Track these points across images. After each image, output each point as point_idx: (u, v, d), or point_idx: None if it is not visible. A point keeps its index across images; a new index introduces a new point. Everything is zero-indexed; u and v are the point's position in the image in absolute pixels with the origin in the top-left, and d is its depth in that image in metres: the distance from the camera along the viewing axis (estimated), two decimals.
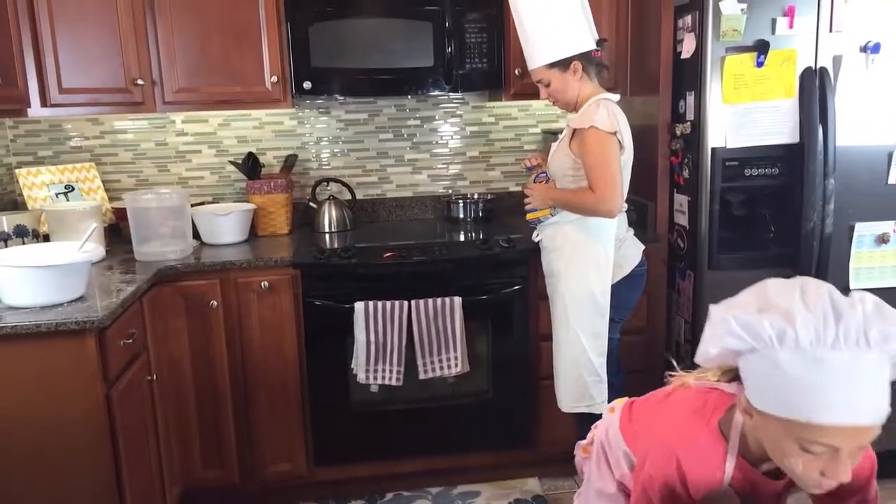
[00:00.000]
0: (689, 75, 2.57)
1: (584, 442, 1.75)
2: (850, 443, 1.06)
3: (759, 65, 2.45)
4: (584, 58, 2.25)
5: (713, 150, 2.51)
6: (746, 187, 2.56)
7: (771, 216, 2.61)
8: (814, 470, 1.09)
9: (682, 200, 2.69)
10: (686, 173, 2.65)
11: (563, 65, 2.25)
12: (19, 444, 1.91)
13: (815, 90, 2.44)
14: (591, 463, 1.68)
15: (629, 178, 2.32)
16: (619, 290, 2.33)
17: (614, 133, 2.15)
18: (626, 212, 2.38)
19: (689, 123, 2.60)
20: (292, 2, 2.67)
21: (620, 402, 1.67)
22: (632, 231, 2.44)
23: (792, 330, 1.06)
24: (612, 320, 2.35)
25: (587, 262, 2.30)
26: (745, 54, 2.45)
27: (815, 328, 1.05)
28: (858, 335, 1.04)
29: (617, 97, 2.30)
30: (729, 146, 2.51)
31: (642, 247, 2.44)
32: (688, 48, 2.56)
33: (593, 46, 2.26)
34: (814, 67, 2.46)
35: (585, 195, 2.22)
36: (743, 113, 2.49)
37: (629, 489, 1.49)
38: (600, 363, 2.34)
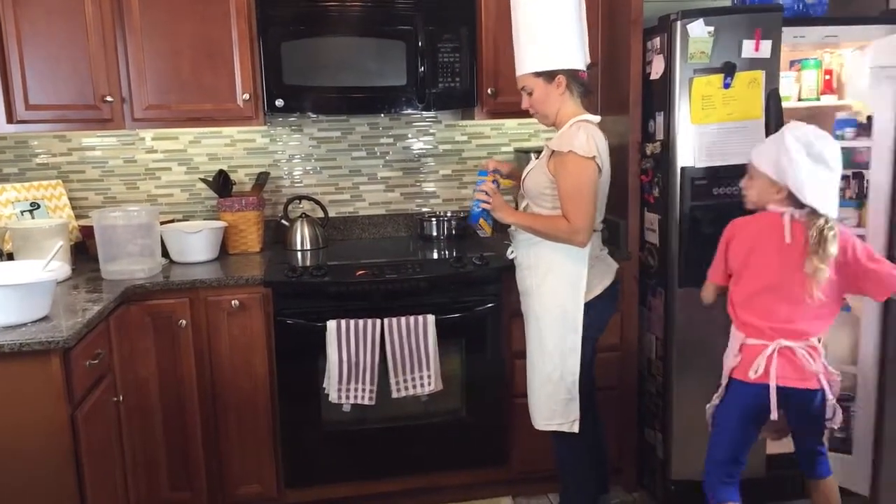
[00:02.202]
0: (659, 96, 2.61)
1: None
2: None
3: (727, 86, 2.49)
4: (570, 75, 2.25)
5: (682, 168, 2.55)
6: (715, 206, 2.59)
7: None
8: None
9: (652, 219, 2.72)
10: (656, 192, 2.68)
11: (549, 76, 2.24)
12: None
13: (780, 111, 2.50)
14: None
15: (605, 199, 2.33)
16: (593, 309, 2.32)
17: (593, 158, 2.15)
18: (600, 231, 2.40)
19: (658, 143, 2.64)
20: (265, 19, 2.67)
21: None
22: (606, 250, 2.44)
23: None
24: (584, 339, 2.33)
25: (560, 281, 2.29)
26: (712, 76, 2.49)
27: None
28: None
29: (598, 119, 2.28)
30: (698, 165, 2.55)
31: (616, 266, 2.44)
32: (657, 69, 2.60)
33: (581, 67, 2.27)
34: (779, 89, 2.52)
35: (559, 223, 2.20)
36: (711, 133, 2.53)
37: None
38: (573, 381, 2.33)
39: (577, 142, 2.15)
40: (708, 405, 2.30)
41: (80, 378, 1.97)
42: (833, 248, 1.98)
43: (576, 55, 2.25)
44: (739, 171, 2.54)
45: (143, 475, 2.50)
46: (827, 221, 1.99)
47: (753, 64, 2.50)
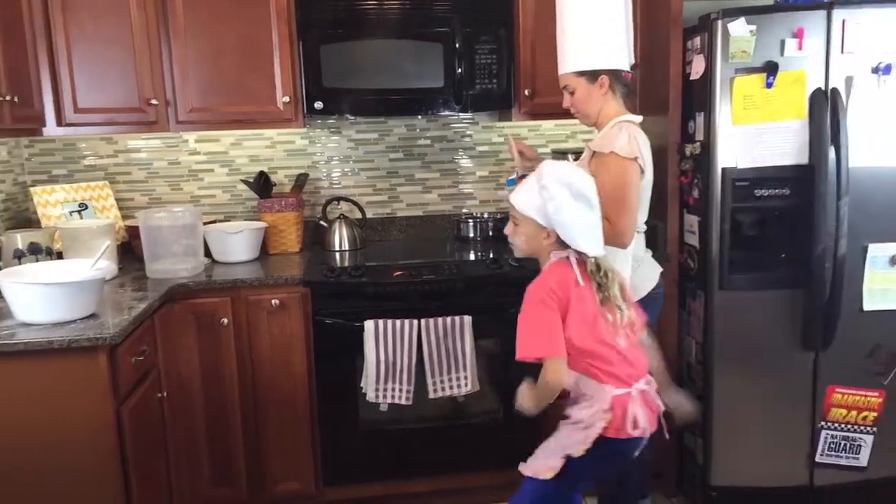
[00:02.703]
0: (699, 96, 2.58)
1: None
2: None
3: (769, 86, 2.45)
4: (614, 75, 2.23)
5: (723, 170, 2.52)
6: (757, 207, 2.55)
7: (782, 237, 2.60)
8: None
9: (692, 220, 2.69)
10: (696, 193, 2.65)
11: (591, 76, 2.23)
12: (29, 461, 1.91)
13: (825, 111, 2.45)
14: None
15: (648, 200, 2.30)
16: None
17: (634, 159, 2.13)
18: (643, 232, 2.36)
19: (698, 144, 2.60)
20: (304, 22, 2.71)
21: None
22: (650, 252, 2.40)
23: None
24: None
25: None
26: (754, 75, 2.45)
27: None
28: None
29: (640, 119, 2.26)
30: (739, 166, 2.51)
31: (660, 269, 2.40)
32: (697, 69, 2.57)
33: (625, 67, 2.24)
34: (824, 88, 2.47)
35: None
36: (753, 133, 2.49)
37: None
38: None
39: (619, 143, 2.13)
40: (549, 456, 1.99)
41: (125, 374, 2.03)
42: (616, 290, 1.89)
43: (620, 55, 2.22)
44: (783, 172, 2.51)
45: (185, 470, 2.55)
46: (598, 265, 1.89)
47: (797, 62, 2.45)
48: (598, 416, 1.86)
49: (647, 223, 2.36)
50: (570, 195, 1.81)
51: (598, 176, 2.17)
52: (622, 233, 2.14)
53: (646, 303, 2.29)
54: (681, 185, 2.73)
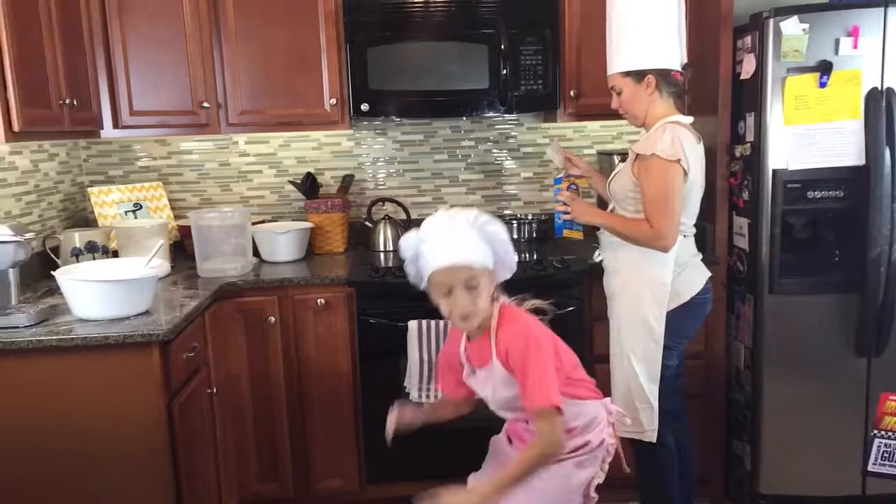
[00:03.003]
0: (749, 96, 2.53)
1: None
2: (453, 280, 1.65)
3: (822, 85, 2.40)
4: (661, 75, 2.19)
5: (774, 171, 2.47)
6: (809, 210, 2.50)
7: (835, 240, 2.54)
8: (452, 308, 1.68)
9: (741, 223, 2.64)
10: (745, 195, 2.60)
11: (638, 76, 2.20)
12: (84, 452, 1.98)
13: (881, 111, 2.38)
14: None
15: (697, 202, 2.25)
16: (677, 318, 2.23)
17: (677, 161, 2.09)
18: (691, 235, 2.30)
19: (748, 145, 2.56)
20: (351, 24, 2.74)
21: None
22: (699, 256, 2.33)
23: (419, 232, 1.73)
24: (667, 347, 2.25)
25: (642, 286, 2.23)
26: (806, 75, 2.40)
27: (428, 225, 1.72)
28: (441, 221, 1.70)
29: (689, 120, 2.22)
30: (790, 168, 2.46)
31: (708, 274, 2.31)
32: (747, 69, 2.52)
33: (674, 66, 2.19)
34: (880, 88, 2.40)
35: (641, 227, 2.16)
36: (805, 134, 2.43)
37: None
38: (651, 390, 2.25)
39: (661, 144, 2.10)
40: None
41: (177, 370, 2.08)
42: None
43: (668, 54, 2.19)
44: (836, 173, 2.45)
45: (233, 465, 2.61)
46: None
47: (852, 62, 2.39)
48: (603, 432, 1.80)
49: (695, 226, 2.31)
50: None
51: (641, 178, 2.16)
52: (663, 236, 2.12)
53: (688, 309, 2.25)
54: (730, 187, 2.68)
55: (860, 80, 2.40)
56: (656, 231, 2.12)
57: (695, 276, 2.27)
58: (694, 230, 2.30)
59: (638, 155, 2.18)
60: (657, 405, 2.27)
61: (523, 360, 1.65)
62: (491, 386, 1.77)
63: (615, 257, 2.31)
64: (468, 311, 1.67)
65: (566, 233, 2.44)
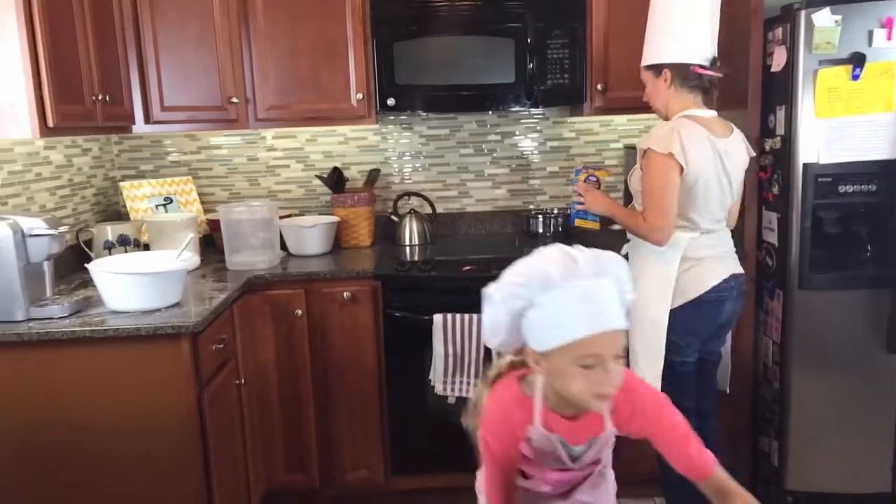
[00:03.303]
0: (780, 89, 2.50)
1: None
2: (609, 348, 1.29)
3: (855, 78, 2.35)
4: (677, 69, 2.19)
5: (805, 165, 2.43)
6: (840, 204, 2.46)
7: (867, 235, 2.49)
8: (593, 385, 1.30)
9: (771, 217, 2.61)
10: (776, 189, 2.57)
11: (656, 70, 2.23)
12: (116, 442, 2.03)
13: None
14: None
15: (713, 199, 2.20)
16: (684, 315, 2.21)
17: (669, 154, 2.08)
18: (706, 232, 2.24)
19: (779, 138, 2.52)
20: (378, 20, 2.75)
21: None
22: (722, 254, 2.28)
23: (546, 274, 1.31)
24: (676, 344, 2.23)
25: (648, 280, 2.22)
26: (839, 67, 2.36)
27: (563, 265, 1.33)
28: (592, 267, 1.34)
29: (710, 114, 2.21)
30: (822, 162, 2.42)
31: (728, 273, 2.25)
32: (778, 61, 2.49)
33: (693, 61, 2.17)
34: None
35: (637, 220, 2.19)
36: (837, 127, 2.40)
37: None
38: (654, 385, 2.20)
39: (657, 138, 2.12)
40: None
41: (206, 361, 2.12)
42: None
43: (687, 49, 2.18)
44: (869, 167, 2.41)
45: (261, 456, 2.65)
46: None
47: (886, 53, 2.34)
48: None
49: (707, 223, 2.26)
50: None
51: (643, 172, 2.19)
52: (655, 229, 2.14)
53: (695, 307, 2.21)
54: (760, 181, 2.65)
55: (894, 72, 2.35)
56: (649, 224, 2.14)
57: (707, 275, 2.22)
58: (716, 227, 2.26)
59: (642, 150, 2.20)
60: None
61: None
62: (594, 451, 1.54)
63: (635, 250, 2.32)
64: (618, 383, 1.33)
65: (578, 222, 2.47)
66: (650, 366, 2.26)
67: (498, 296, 1.36)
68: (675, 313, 2.21)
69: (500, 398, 1.48)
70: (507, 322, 1.35)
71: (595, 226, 2.47)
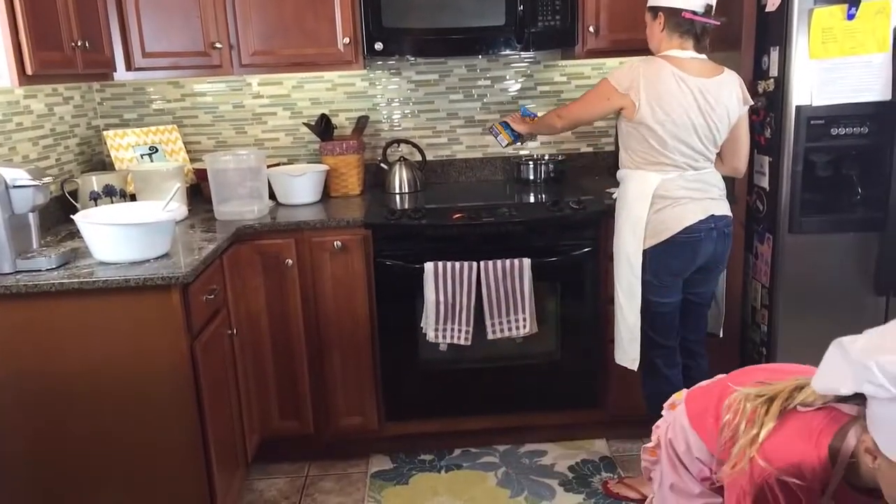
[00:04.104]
0: (774, 29, 2.45)
1: (648, 445, 1.73)
2: None
3: (850, 17, 2.31)
4: (671, 13, 2.24)
5: (798, 108, 2.41)
6: (832, 147, 2.44)
7: (858, 178, 2.48)
8: None
9: (762, 161, 2.60)
10: (768, 133, 2.55)
11: (653, 13, 2.31)
12: (110, 393, 2.03)
13: None
14: (662, 465, 1.63)
15: (684, 138, 2.23)
16: (657, 255, 2.30)
17: (616, 90, 2.25)
18: (676, 172, 2.28)
19: (772, 80, 2.49)
20: None
21: (680, 397, 1.65)
22: (699, 192, 2.29)
23: None
24: (653, 284, 2.33)
25: (625, 223, 2.34)
26: (834, 6, 2.32)
27: None
28: None
29: (688, 55, 2.25)
30: (815, 104, 2.40)
31: (706, 213, 2.28)
32: (773, 1, 2.44)
33: (685, 6, 2.22)
34: None
35: (551, 116, 2.54)
36: (831, 69, 2.36)
37: (713, 483, 1.48)
38: (634, 323, 2.37)
39: (618, 71, 2.30)
40: None
41: (198, 311, 2.12)
42: None
43: None
44: (862, 109, 2.39)
45: (255, 404, 2.67)
46: None
47: None
48: None
49: (684, 160, 2.28)
50: None
51: None
52: (560, 115, 2.50)
53: (668, 246, 2.28)
54: (752, 124, 2.62)
55: (889, 11, 2.31)
56: (559, 111, 2.53)
57: (682, 215, 2.27)
58: (699, 166, 2.29)
59: None
60: (639, 336, 2.38)
61: None
62: None
63: (620, 194, 2.41)
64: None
65: (498, 127, 2.77)
66: (628, 302, 2.37)
67: (857, 365, 1.11)
68: (647, 253, 2.31)
69: (803, 450, 1.23)
70: (851, 389, 1.14)
71: (508, 139, 2.75)
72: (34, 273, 1.99)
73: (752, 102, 2.41)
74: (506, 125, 2.75)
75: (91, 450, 2.06)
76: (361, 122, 3.09)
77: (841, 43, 2.34)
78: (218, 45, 2.73)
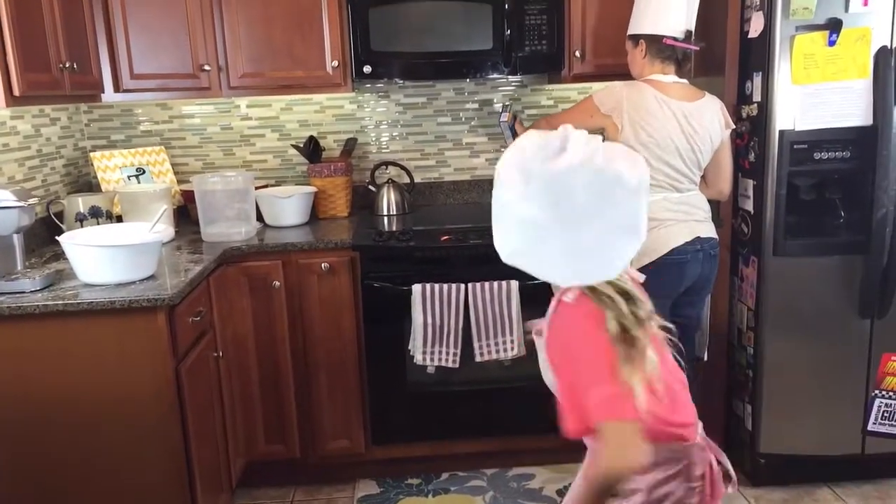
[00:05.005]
0: (757, 55, 2.49)
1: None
2: None
3: (831, 44, 2.36)
4: (652, 41, 2.31)
5: (781, 132, 2.44)
6: (815, 171, 2.48)
7: (841, 201, 2.52)
8: None
9: (746, 184, 2.63)
10: (752, 156, 2.58)
11: (634, 40, 2.37)
12: (94, 417, 2.00)
13: (890, 70, 2.34)
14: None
15: (670, 161, 2.27)
16: (649, 276, 2.28)
17: (599, 109, 2.30)
18: (682, 194, 2.32)
19: (755, 105, 2.53)
20: None
21: None
22: (685, 214, 2.32)
23: None
24: None
25: None
26: (815, 33, 2.36)
27: None
28: None
29: (670, 79, 2.31)
30: (798, 129, 2.43)
31: (692, 235, 2.31)
32: (755, 27, 2.48)
33: (665, 33, 2.28)
34: (889, 47, 2.36)
35: (540, 124, 2.58)
36: (813, 94, 2.40)
37: None
38: None
39: (603, 92, 2.33)
40: None
41: (183, 334, 2.10)
42: None
43: (659, 22, 2.30)
44: (844, 134, 2.43)
45: (240, 427, 2.64)
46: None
47: (862, 19, 2.35)
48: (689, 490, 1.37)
49: (668, 181, 2.31)
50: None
51: None
52: (546, 122, 2.54)
53: (655, 268, 2.23)
54: (736, 148, 2.66)
55: (870, 38, 2.35)
56: (547, 119, 2.57)
57: (668, 237, 2.29)
58: (682, 188, 2.33)
59: None
60: None
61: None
62: None
63: None
64: None
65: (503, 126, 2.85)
66: None
67: None
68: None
69: None
70: None
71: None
72: (18, 295, 1.97)
73: (734, 126, 2.45)
74: (512, 129, 2.82)
75: (74, 475, 2.02)
76: (349, 145, 3.10)
77: (823, 69, 2.38)
78: (207, 67, 2.74)
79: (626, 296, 1.27)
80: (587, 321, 1.27)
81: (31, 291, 2.00)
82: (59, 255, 2.37)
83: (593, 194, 1.15)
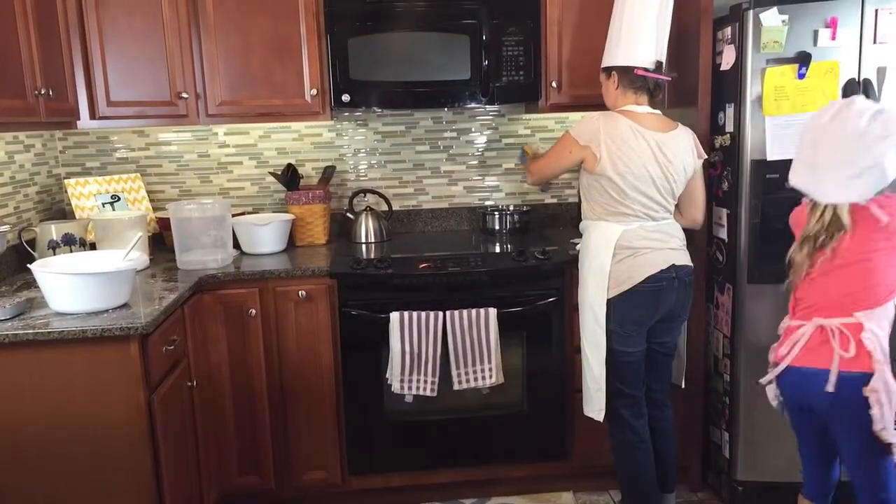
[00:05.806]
0: (729, 87, 2.55)
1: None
2: None
3: (801, 76, 2.41)
4: (623, 72, 2.34)
5: (753, 162, 2.48)
6: (788, 199, 2.50)
7: None
8: None
9: (720, 213, 2.66)
10: (725, 185, 2.62)
11: (606, 72, 2.41)
12: (64, 445, 1.96)
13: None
14: None
15: (644, 191, 2.29)
16: (621, 305, 2.31)
17: (577, 142, 2.32)
18: (636, 224, 2.33)
19: (728, 135, 2.57)
20: (332, 16, 2.72)
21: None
22: (660, 242, 2.33)
23: None
24: (617, 333, 2.33)
25: (588, 271, 2.37)
26: (786, 66, 2.42)
27: None
28: None
29: (644, 110, 2.34)
30: (769, 158, 2.47)
31: (667, 263, 2.31)
32: (727, 60, 2.54)
33: (636, 64, 2.32)
34: (857, 79, 2.42)
35: (531, 166, 2.64)
36: (784, 125, 2.45)
37: None
38: (599, 373, 2.37)
39: (580, 126, 2.35)
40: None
41: (157, 363, 2.07)
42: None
43: (630, 53, 2.34)
44: None
45: (214, 458, 2.59)
46: None
47: (830, 53, 2.41)
48: None
49: (644, 210, 2.33)
50: None
51: None
52: (530, 175, 2.65)
53: (630, 296, 2.30)
54: (710, 177, 2.70)
55: (838, 71, 2.41)
56: (530, 172, 2.64)
57: (643, 265, 2.30)
58: (658, 217, 2.34)
59: None
60: (604, 386, 2.38)
61: None
62: None
63: (583, 244, 2.45)
64: None
65: (520, 159, 3.04)
66: (593, 352, 2.39)
67: None
68: (611, 302, 2.32)
69: None
70: None
71: (523, 166, 3.00)
72: None
73: (707, 156, 2.49)
74: (523, 160, 2.96)
75: None
76: (328, 172, 3.10)
77: (793, 100, 2.43)
78: (184, 94, 2.73)
79: None
80: None
81: (1, 320, 1.96)
82: (31, 284, 2.33)
83: None
